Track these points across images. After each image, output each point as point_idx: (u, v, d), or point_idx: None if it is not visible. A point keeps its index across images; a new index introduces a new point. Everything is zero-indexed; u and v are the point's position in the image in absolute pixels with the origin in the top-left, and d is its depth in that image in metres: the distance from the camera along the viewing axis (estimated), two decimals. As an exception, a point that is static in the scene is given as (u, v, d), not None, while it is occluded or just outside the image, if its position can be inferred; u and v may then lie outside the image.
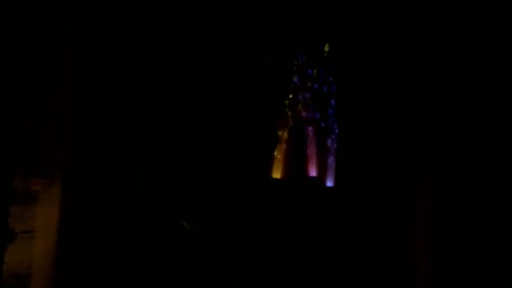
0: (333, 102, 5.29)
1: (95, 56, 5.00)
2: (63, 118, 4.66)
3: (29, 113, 4.48)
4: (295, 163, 5.26)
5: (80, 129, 4.90)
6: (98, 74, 5.04)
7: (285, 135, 5.27)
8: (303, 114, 5.30)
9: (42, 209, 4.45)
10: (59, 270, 4.59)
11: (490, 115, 4.81)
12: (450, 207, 4.79)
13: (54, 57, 4.59)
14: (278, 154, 5.26)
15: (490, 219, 4.73)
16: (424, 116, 4.95)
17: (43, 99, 4.54)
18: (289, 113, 5.29)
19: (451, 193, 4.80)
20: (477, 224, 4.73)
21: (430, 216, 4.85)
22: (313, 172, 5.25)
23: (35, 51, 4.52)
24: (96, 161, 5.02)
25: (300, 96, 5.30)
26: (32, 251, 4.36)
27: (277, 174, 5.25)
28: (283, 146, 5.26)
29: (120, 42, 5.14)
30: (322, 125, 5.29)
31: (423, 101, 4.96)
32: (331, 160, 5.23)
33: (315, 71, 5.30)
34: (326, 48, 5.27)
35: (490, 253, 4.69)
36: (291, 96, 5.30)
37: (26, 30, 4.49)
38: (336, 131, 5.27)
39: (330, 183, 5.25)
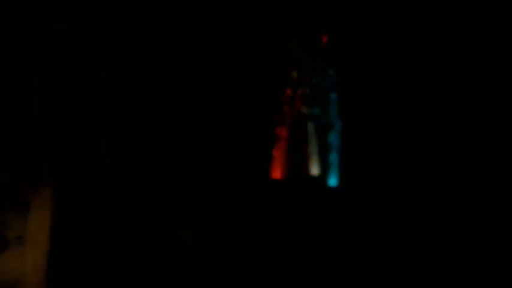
0: (334, 96, 5.04)
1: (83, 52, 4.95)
2: (48, 119, 4.64)
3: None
4: (296, 162, 5.01)
5: (68, 129, 4.83)
6: (87, 69, 4.97)
7: (284, 132, 5.04)
8: (303, 110, 5.06)
9: (33, 215, 4.42)
10: (51, 277, 4.52)
11: (491, 106, 4.57)
12: (445, 205, 4.64)
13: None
14: (277, 153, 5.02)
15: (487, 220, 4.56)
16: (417, 105, 4.79)
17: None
18: (288, 109, 5.06)
19: (445, 189, 4.64)
20: (474, 224, 4.58)
21: (420, 214, 4.63)
22: (315, 171, 4.98)
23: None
24: (87, 164, 4.91)
25: (299, 91, 5.07)
26: (23, 258, 4.34)
27: (276, 174, 5.00)
28: (283, 144, 5.02)
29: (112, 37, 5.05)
30: (323, 120, 5.04)
31: (418, 91, 4.82)
32: (334, 158, 4.96)
33: (313, 65, 5.09)
34: (325, 40, 5.06)
35: (485, 255, 4.55)
36: (289, 91, 5.08)
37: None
38: (338, 127, 5.01)
39: (333, 182, 4.97)
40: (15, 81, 4.70)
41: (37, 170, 4.55)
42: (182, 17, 5.10)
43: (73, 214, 4.76)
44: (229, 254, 4.80)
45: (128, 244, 4.84)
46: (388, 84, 4.95)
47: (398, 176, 4.80)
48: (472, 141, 4.67)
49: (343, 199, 4.90)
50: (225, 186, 4.91)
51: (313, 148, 4.99)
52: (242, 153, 4.94)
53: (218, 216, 4.87)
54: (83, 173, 4.92)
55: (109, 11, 5.05)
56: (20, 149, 4.53)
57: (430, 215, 4.66)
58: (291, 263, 4.77)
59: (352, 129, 4.97)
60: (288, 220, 4.85)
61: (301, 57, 5.10)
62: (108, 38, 5.08)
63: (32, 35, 4.83)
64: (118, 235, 4.86)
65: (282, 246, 4.80)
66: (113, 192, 4.93)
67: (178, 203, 4.92)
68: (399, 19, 4.92)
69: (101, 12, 5.04)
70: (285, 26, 5.03)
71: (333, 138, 5.01)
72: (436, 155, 4.73)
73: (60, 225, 4.61)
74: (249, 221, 4.86)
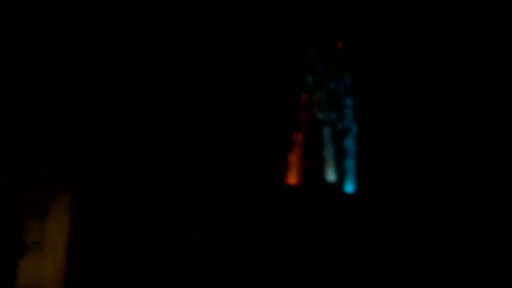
0: (349, 101, 5.03)
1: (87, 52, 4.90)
2: (48, 119, 4.63)
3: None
4: (311, 168, 4.98)
5: (68, 129, 4.79)
6: (87, 69, 4.91)
7: (300, 138, 5.01)
8: (319, 115, 5.05)
9: (51, 220, 4.39)
10: (69, 283, 4.49)
11: (491, 106, 4.61)
12: (445, 205, 4.64)
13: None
14: (293, 159, 4.99)
15: (487, 220, 4.57)
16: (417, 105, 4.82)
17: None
18: (304, 115, 5.04)
19: (445, 189, 4.65)
20: (474, 224, 4.58)
21: (420, 214, 4.66)
22: (331, 177, 4.97)
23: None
24: (87, 165, 4.87)
25: (315, 97, 5.06)
26: (41, 264, 4.31)
27: (292, 180, 4.96)
28: (298, 149, 5.00)
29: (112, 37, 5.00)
30: (339, 126, 5.03)
31: (418, 91, 4.83)
32: (350, 163, 4.96)
33: (329, 69, 5.08)
34: (340, 45, 5.05)
35: (485, 255, 4.55)
36: (305, 96, 5.06)
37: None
38: (354, 131, 4.99)
39: (350, 189, 4.95)
40: (15, 81, 4.64)
41: (37, 170, 4.50)
42: (183, 17, 5.06)
43: (85, 217, 4.71)
44: (239, 258, 4.76)
45: (130, 246, 4.79)
46: (390, 85, 4.96)
47: (398, 176, 4.80)
48: (472, 142, 4.67)
49: (360, 206, 4.88)
50: (239, 192, 4.87)
51: (329, 153, 4.98)
52: (257, 158, 4.90)
53: (232, 222, 4.83)
54: (83, 173, 4.88)
55: (109, 11, 4.99)
56: (20, 149, 4.48)
57: (430, 215, 4.65)
58: (304, 267, 4.75)
59: (368, 134, 4.96)
60: (304, 226, 4.81)
61: (317, 62, 5.09)
62: (108, 38, 5.01)
63: (32, 35, 4.77)
64: (119, 237, 4.81)
65: (296, 252, 4.77)
66: (113, 192, 4.89)
67: (181, 204, 4.88)
68: (406, 22, 4.92)
69: (101, 12, 4.98)
70: (301, 31, 5.01)
71: (349, 143, 5.00)
72: (436, 155, 4.72)
73: (79, 230, 4.58)
74: (263, 227, 4.81)
